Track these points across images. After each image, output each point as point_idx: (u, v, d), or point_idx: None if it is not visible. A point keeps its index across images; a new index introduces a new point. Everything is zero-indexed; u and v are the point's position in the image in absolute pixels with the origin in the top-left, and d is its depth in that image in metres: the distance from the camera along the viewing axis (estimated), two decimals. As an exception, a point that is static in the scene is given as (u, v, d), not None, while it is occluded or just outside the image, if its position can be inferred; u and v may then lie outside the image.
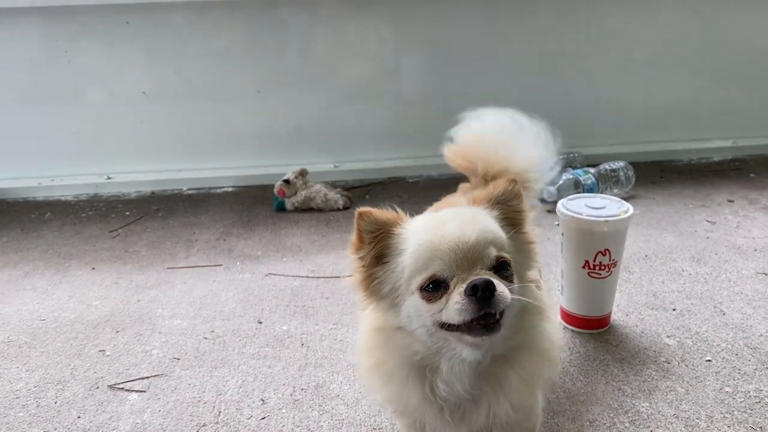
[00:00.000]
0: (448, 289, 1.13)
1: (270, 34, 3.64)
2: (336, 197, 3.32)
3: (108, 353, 2.12)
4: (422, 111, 3.80)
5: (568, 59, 3.82)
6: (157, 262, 2.78)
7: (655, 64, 3.88)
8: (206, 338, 2.18)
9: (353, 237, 1.24)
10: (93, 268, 2.74)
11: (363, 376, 1.37)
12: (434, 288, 1.14)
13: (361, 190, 3.59)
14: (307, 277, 2.58)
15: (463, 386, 1.22)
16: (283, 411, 1.80)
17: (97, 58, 3.60)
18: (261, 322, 2.26)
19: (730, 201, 3.20)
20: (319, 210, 3.31)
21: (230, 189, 3.70)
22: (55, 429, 1.77)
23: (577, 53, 3.82)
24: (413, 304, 1.17)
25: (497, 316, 1.12)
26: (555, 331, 1.33)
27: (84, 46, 3.57)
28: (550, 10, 3.75)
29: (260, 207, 3.39)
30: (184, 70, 3.67)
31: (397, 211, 1.26)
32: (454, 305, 1.11)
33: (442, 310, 1.13)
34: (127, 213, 3.38)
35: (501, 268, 1.16)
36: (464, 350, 1.18)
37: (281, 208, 3.33)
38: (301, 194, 3.31)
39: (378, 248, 1.22)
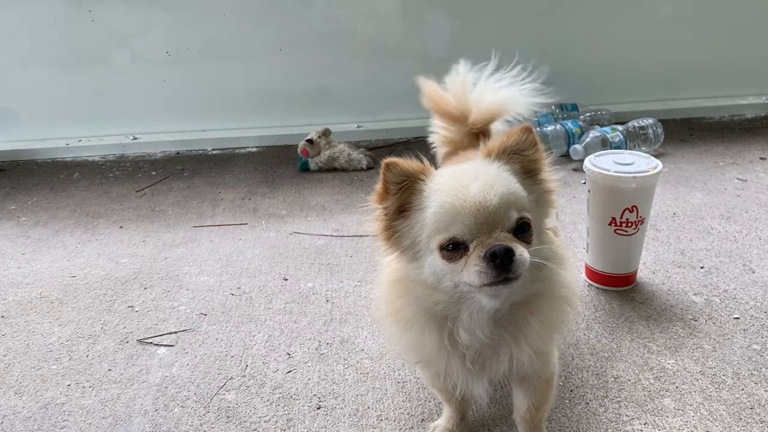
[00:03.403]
0: (468, 250, 1.13)
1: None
2: (359, 157, 3.31)
3: (137, 309, 2.16)
4: (446, 69, 3.74)
5: (597, 15, 3.73)
6: (183, 221, 2.81)
7: (686, 20, 3.78)
8: (233, 294, 2.21)
9: (378, 186, 1.21)
10: (121, 227, 2.78)
11: (381, 323, 1.39)
12: (454, 248, 1.13)
13: (384, 150, 3.57)
14: (332, 235, 2.59)
15: (483, 333, 1.23)
16: (309, 364, 1.82)
17: (121, 18, 3.60)
18: (286, 279, 2.28)
19: (762, 158, 3.14)
20: (343, 170, 3.31)
21: (254, 149, 3.70)
22: (87, 381, 1.81)
23: (607, 8, 3.72)
24: (433, 261, 1.17)
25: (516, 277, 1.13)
26: (572, 278, 1.34)
27: (107, 6, 3.57)
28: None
29: (284, 167, 3.40)
30: (207, 30, 3.66)
31: (423, 163, 1.22)
32: (474, 268, 1.11)
33: (461, 270, 1.13)
34: (153, 173, 3.41)
35: (521, 229, 1.15)
36: (483, 299, 1.18)
37: (305, 168, 3.33)
38: (325, 154, 3.31)
39: (401, 200, 1.20)
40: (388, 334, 1.40)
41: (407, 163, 1.20)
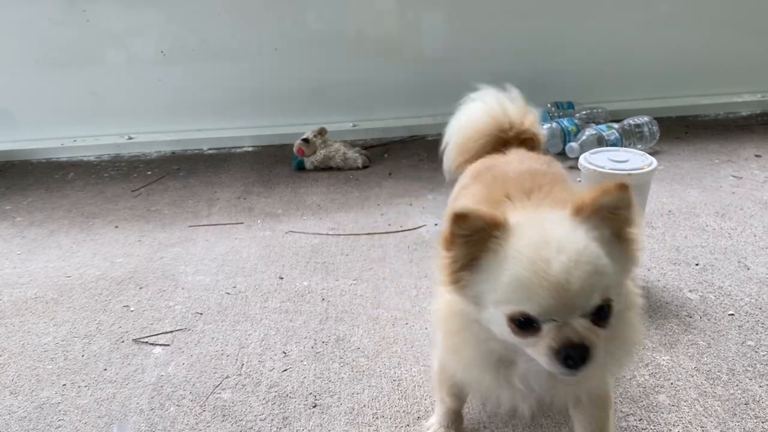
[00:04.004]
0: (540, 330, 1.04)
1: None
2: (355, 156, 3.31)
3: (132, 309, 2.15)
4: (441, 68, 3.75)
5: (593, 13, 3.74)
6: (179, 221, 2.80)
7: (682, 18, 3.78)
8: (228, 294, 2.21)
9: (445, 233, 1.11)
10: (116, 227, 2.78)
11: (439, 356, 1.33)
12: (524, 324, 1.05)
13: (380, 149, 3.57)
14: (327, 234, 2.59)
15: (540, 387, 1.18)
16: (305, 363, 1.82)
17: (116, 18, 3.60)
18: (282, 278, 2.28)
19: (758, 156, 3.14)
20: (339, 169, 3.31)
21: (250, 148, 3.70)
22: (83, 380, 1.81)
23: (603, 7, 3.73)
24: (498, 320, 1.08)
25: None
26: (639, 320, 1.24)
27: (102, 6, 3.56)
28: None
29: (280, 166, 3.40)
30: (202, 30, 3.65)
31: (496, 216, 1.10)
32: (543, 352, 1.04)
33: (528, 345, 1.06)
34: (149, 173, 3.40)
35: (601, 314, 1.05)
36: (545, 363, 1.08)
37: (301, 167, 3.33)
38: (321, 153, 3.31)
39: (470, 254, 1.11)
40: (445, 365, 1.35)
41: (477, 215, 1.09)
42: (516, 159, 1.63)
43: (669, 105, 3.83)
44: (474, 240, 1.09)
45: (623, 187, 1.10)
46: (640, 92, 3.91)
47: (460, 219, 1.08)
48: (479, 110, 1.86)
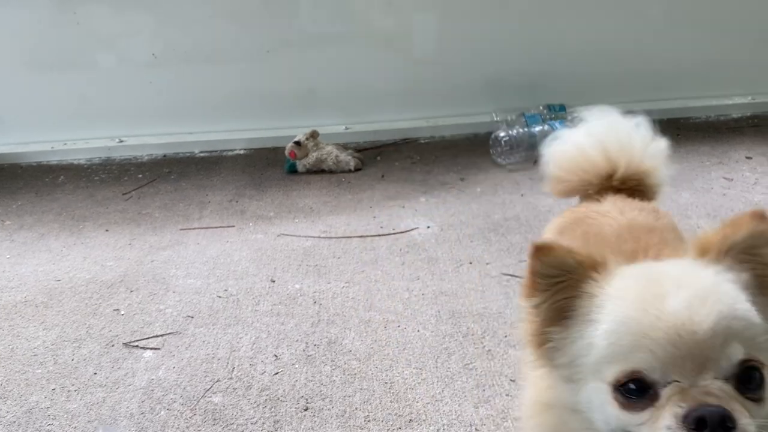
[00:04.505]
0: (657, 398, 0.78)
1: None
2: (347, 159, 3.30)
3: (123, 312, 2.14)
4: (434, 71, 3.76)
5: (583, 15, 3.74)
6: (170, 224, 2.79)
7: (673, 21, 3.79)
8: (220, 297, 2.20)
9: (525, 276, 0.89)
10: (107, 230, 2.76)
11: None
12: (636, 392, 0.79)
13: (372, 152, 3.57)
14: (319, 237, 2.58)
15: None
16: (296, 366, 1.82)
17: (106, 21, 3.58)
18: (274, 281, 2.27)
19: (748, 158, 3.15)
20: (331, 172, 3.30)
21: (242, 151, 3.69)
22: (73, 385, 1.80)
23: (594, 9, 3.74)
24: (599, 396, 0.83)
25: None
26: None
27: (93, 9, 3.55)
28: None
29: (272, 169, 3.39)
30: (193, 32, 3.64)
31: (595, 255, 0.87)
32: (665, 430, 0.76)
33: (642, 424, 0.79)
34: (140, 176, 3.39)
35: (747, 378, 0.77)
36: None
37: (293, 170, 3.32)
38: (313, 156, 3.30)
39: (558, 302, 0.87)
40: None
41: (567, 251, 0.86)
42: (615, 210, 1.28)
43: (660, 107, 3.83)
44: (563, 283, 0.86)
45: (759, 216, 0.85)
46: (632, 94, 3.91)
47: (541, 252, 0.86)
48: (587, 142, 1.45)
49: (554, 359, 0.88)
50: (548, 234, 1.35)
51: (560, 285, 0.87)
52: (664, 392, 0.77)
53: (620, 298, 0.82)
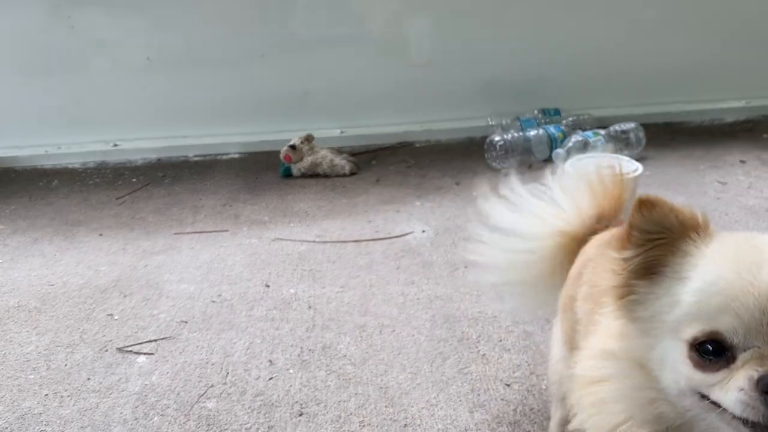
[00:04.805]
0: (734, 361, 0.77)
1: (274, -2, 3.61)
2: (342, 163, 3.30)
3: (116, 317, 2.13)
4: (429, 74, 3.76)
5: (578, 20, 3.75)
6: (163, 228, 2.78)
7: (667, 25, 3.80)
8: (214, 302, 2.19)
9: (623, 228, 0.89)
10: (100, 235, 2.75)
11: (577, 409, 0.99)
12: (713, 353, 0.78)
13: (367, 156, 3.56)
14: (314, 241, 2.58)
15: None
16: (291, 371, 1.81)
17: (101, 25, 3.57)
18: (268, 286, 2.26)
19: (742, 161, 3.16)
20: (326, 176, 3.29)
21: (236, 155, 3.68)
22: (66, 390, 1.79)
23: (589, 13, 3.75)
24: (674, 354, 0.82)
25: None
26: None
27: (87, 13, 3.54)
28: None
29: (267, 173, 3.38)
30: (187, 36, 3.63)
31: (698, 215, 0.87)
32: (736, 392, 0.76)
33: (715, 384, 0.79)
34: (134, 180, 3.38)
35: None
36: (736, 408, 0.78)
37: (287, 174, 3.31)
38: (308, 160, 3.29)
39: (650, 257, 0.87)
40: (583, 422, 0.97)
41: (671, 207, 0.86)
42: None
43: (655, 111, 3.85)
44: (661, 240, 0.85)
45: None
46: (627, 99, 3.92)
47: (646, 207, 0.85)
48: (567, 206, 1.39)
49: (634, 312, 0.87)
50: (577, 266, 1.29)
51: (657, 241, 0.85)
52: (742, 356, 0.76)
53: (716, 260, 0.81)
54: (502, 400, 1.64)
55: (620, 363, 0.90)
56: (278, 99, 3.77)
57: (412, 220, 2.71)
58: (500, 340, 1.87)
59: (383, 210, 2.83)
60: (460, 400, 1.65)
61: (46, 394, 1.78)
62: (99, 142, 3.75)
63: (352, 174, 3.29)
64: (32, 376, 1.85)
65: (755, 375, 0.75)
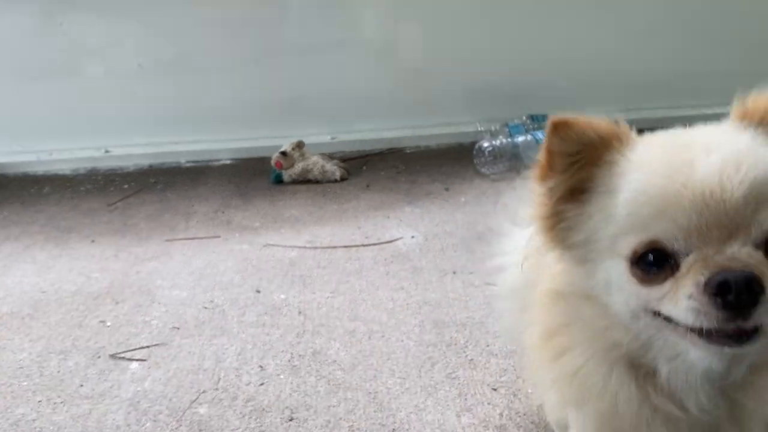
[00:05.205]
0: (678, 268, 0.72)
1: (265, 4, 3.63)
2: (333, 169, 3.33)
3: (109, 324, 2.15)
4: (419, 81, 3.79)
5: (565, 25, 3.79)
6: (155, 235, 2.80)
7: (654, 31, 3.84)
8: (206, 308, 2.21)
9: (541, 157, 0.83)
10: (92, 241, 2.77)
11: (534, 375, 0.95)
12: (654, 263, 0.73)
13: (358, 162, 3.59)
14: (305, 247, 2.61)
15: (700, 405, 0.79)
16: (281, 377, 1.83)
17: (92, 30, 3.60)
18: (259, 292, 2.29)
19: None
20: (317, 182, 3.32)
21: (228, 161, 3.70)
22: (59, 397, 1.81)
23: (576, 20, 3.79)
24: (617, 274, 0.77)
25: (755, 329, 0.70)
26: None
27: (79, 19, 3.56)
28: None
29: (258, 179, 3.40)
30: (179, 42, 3.66)
31: (617, 124, 0.82)
32: (686, 300, 0.71)
33: (662, 297, 0.73)
34: (126, 186, 3.40)
35: None
36: (692, 351, 0.75)
37: (279, 180, 3.34)
38: (299, 166, 3.32)
39: (576, 179, 0.81)
40: (544, 386, 0.95)
41: (588, 123, 0.79)
42: None
43: (643, 117, 3.88)
44: (582, 159, 0.79)
45: None
46: (614, 104, 3.95)
47: (560, 128, 0.78)
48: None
49: (568, 239, 0.82)
50: None
51: (580, 161, 0.80)
52: (686, 261, 0.72)
53: (643, 166, 0.76)
54: (488, 404, 1.67)
55: (568, 300, 0.85)
56: (270, 105, 3.79)
57: (402, 226, 2.74)
58: (487, 345, 1.90)
59: (373, 216, 2.86)
60: (448, 405, 1.68)
61: (40, 401, 1.79)
62: (90, 149, 3.77)
63: (342, 180, 3.32)
64: (25, 383, 1.87)
65: (702, 279, 0.70)
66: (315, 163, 3.32)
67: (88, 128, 3.77)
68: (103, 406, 1.76)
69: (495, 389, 1.72)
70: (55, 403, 1.78)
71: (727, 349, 0.72)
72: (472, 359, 1.85)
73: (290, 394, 1.76)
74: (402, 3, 3.74)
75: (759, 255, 0.70)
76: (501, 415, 1.63)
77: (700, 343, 0.73)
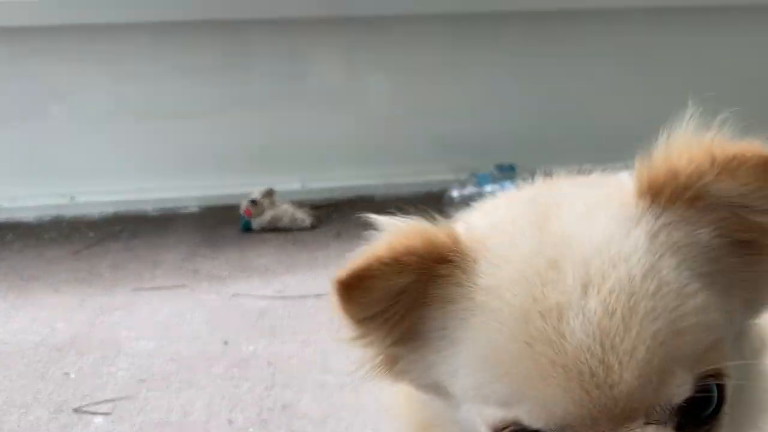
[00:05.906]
0: None
1: (234, 52, 3.67)
2: (303, 216, 3.33)
3: (72, 376, 2.10)
4: (387, 130, 3.85)
5: (534, 77, 3.89)
6: (121, 284, 2.76)
7: (623, 82, 3.94)
8: (173, 360, 2.17)
9: (340, 311, 0.68)
10: (56, 290, 2.71)
11: None
12: None
13: (328, 209, 3.60)
14: (274, 297, 2.59)
15: None
16: (250, 431, 1.80)
17: (61, 76, 3.58)
18: (227, 343, 2.26)
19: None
20: (287, 229, 3.31)
21: (196, 209, 3.68)
22: (18, 455, 1.75)
23: (543, 71, 3.89)
24: (477, 424, 0.62)
25: None
26: None
27: (45, 61, 3.54)
28: (518, 31, 3.83)
29: (226, 227, 3.38)
30: (147, 89, 3.66)
31: (436, 237, 0.65)
32: None
33: None
34: (91, 234, 3.35)
35: (698, 408, 0.55)
36: None
37: (248, 228, 3.32)
38: (268, 214, 3.32)
39: (402, 328, 0.67)
40: None
41: (391, 261, 0.63)
42: None
43: (609, 167, 3.98)
44: (397, 307, 0.64)
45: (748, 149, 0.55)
46: (580, 156, 4.01)
47: (351, 290, 0.63)
48: None
49: (415, 381, 0.68)
50: None
51: (397, 313, 0.63)
52: None
53: (492, 304, 0.57)
54: (461, 457, 1.66)
55: (434, 411, 0.70)
56: (238, 152, 3.80)
57: (372, 275, 2.73)
58: (459, 397, 1.90)
59: (344, 264, 2.85)
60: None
61: (-2, 459, 1.73)
62: (55, 195, 3.71)
63: (313, 227, 3.32)
64: (-17, 440, 1.81)
65: None
66: (285, 211, 3.32)
67: (53, 174, 3.72)
68: (65, 463, 1.71)
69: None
70: (14, 461, 1.72)
71: None
72: (444, 411, 1.84)
73: (260, 449, 1.73)
74: (372, 53, 3.81)
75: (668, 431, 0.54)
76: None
77: None
